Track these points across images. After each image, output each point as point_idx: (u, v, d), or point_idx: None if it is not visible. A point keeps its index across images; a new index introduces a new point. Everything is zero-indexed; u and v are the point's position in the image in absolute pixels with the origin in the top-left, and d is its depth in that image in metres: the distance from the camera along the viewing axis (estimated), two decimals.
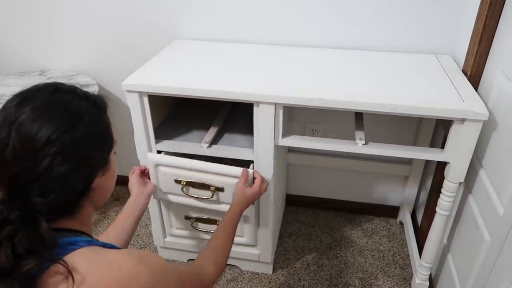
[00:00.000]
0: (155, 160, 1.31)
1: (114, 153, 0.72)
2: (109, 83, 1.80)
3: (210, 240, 1.02)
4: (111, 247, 0.65)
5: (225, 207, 1.32)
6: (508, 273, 0.97)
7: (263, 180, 1.25)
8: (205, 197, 1.32)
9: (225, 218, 1.10)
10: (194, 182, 1.30)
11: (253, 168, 1.30)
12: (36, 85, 0.65)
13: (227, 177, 1.27)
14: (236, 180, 1.24)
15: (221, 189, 1.29)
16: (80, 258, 0.58)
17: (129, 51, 1.70)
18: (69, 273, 0.54)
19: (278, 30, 1.55)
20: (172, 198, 1.38)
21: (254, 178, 1.25)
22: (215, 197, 1.31)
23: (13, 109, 0.59)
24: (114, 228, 1.07)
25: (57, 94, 0.63)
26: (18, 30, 1.76)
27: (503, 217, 1.02)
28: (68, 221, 0.64)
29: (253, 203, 1.25)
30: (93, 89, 1.63)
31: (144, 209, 1.21)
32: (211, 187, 1.29)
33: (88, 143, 0.63)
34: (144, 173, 1.33)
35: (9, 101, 0.61)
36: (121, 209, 1.17)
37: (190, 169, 1.29)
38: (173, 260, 1.64)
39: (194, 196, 1.33)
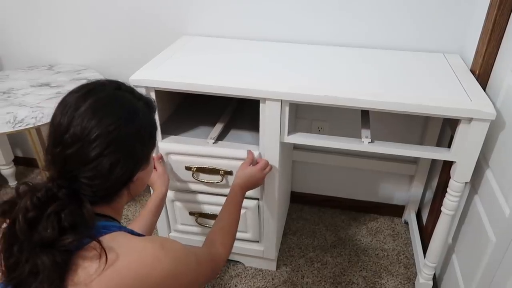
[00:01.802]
0: (166, 149, 1.33)
1: (150, 159, 0.79)
2: (116, 78, 1.79)
3: (215, 222, 1.04)
4: (138, 235, 0.70)
5: None
6: None
7: (267, 163, 1.26)
8: (215, 182, 1.34)
9: (227, 199, 1.12)
10: (204, 167, 1.33)
11: (260, 156, 1.30)
12: (100, 80, 0.72)
13: (236, 160, 1.29)
14: None
15: (230, 173, 1.33)
16: (112, 241, 0.63)
17: (137, 46, 1.71)
18: (104, 251, 0.60)
19: (286, 27, 1.55)
20: (183, 185, 1.40)
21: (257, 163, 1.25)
22: (224, 181, 1.35)
23: (77, 98, 0.66)
24: (140, 223, 1.10)
25: (119, 91, 0.71)
26: (27, 25, 1.77)
27: (509, 218, 1.02)
28: (104, 208, 0.70)
29: (258, 185, 1.23)
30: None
31: (165, 198, 1.22)
32: (220, 171, 1.32)
33: (138, 139, 0.69)
34: (156, 161, 1.31)
35: (75, 91, 0.68)
36: (136, 208, 1.18)
37: (201, 155, 1.32)
38: None
39: (205, 181, 1.36)
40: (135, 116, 0.69)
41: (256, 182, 1.22)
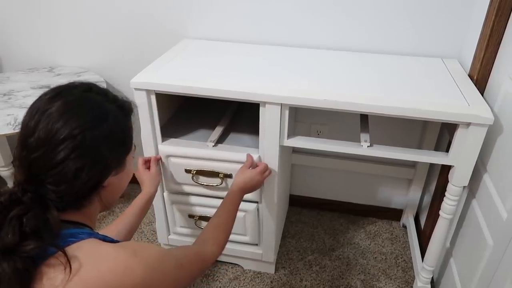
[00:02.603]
0: (166, 152, 1.34)
1: (133, 157, 0.76)
2: (116, 80, 1.82)
3: (210, 219, 1.04)
4: (111, 241, 0.67)
5: None
6: (510, 277, 0.97)
7: (266, 167, 1.26)
8: (214, 184, 1.35)
9: (224, 199, 1.12)
10: (203, 170, 1.34)
11: (259, 160, 1.31)
12: (73, 82, 0.70)
13: (235, 163, 1.31)
14: None
15: (229, 176, 1.34)
16: (78, 250, 0.60)
17: (137, 49, 1.72)
18: (68, 262, 0.57)
19: (286, 31, 1.56)
20: (183, 188, 1.41)
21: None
22: (224, 184, 1.36)
23: (46, 101, 0.64)
24: (122, 222, 1.08)
25: (89, 93, 0.68)
26: (28, 27, 1.78)
27: (507, 222, 1.03)
28: (73, 214, 0.67)
29: (256, 188, 1.23)
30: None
31: (153, 199, 1.21)
32: (220, 174, 1.33)
33: (107, 143, 0.66)
34: (152, 161, 1.31)
35: (44, 94, 0.66)
36: (126, 206, 1.18)
37: (201, 158, 1.32)
38: None
39: (204, 184, 1.36)
40: (103, 120, 0.66)
41: (255, 185, 1.22)
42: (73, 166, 0.62)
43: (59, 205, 0.63)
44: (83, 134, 0.63)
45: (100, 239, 0.65)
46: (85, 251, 0.61)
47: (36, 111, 0.63)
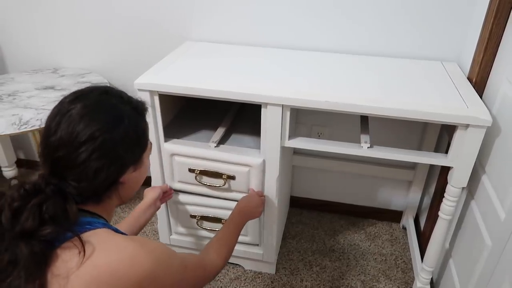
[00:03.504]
0: (170, 150, 1.35)
1: (149, 154, 0.81)
2: (119, 82, 1.84)
3: (215, 234, 1.08)
4: (122, 233, 0.71)
5: (236, 195, 1.39)
6: (508, 277, 0.99)
7: (262, 192, 1.37)
8: (217, 185, 1.37)
9: (227, 219, 1.18)
10: (207, 170, 1.35)
11: (263, 162, 1.33)
12: (90, 86, 0.75)
13: (239, 165, 1.32)
14: (247, 169, 1.32)
15: (232, 177, 1.35)
16: (93, 237, 0.65)
17: (140, 51, 1.74)
18: (83, 247, 0.62)
19: (289, 34, 1.58)
20: (186, 187, 1.43)
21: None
22: (226, 185, 1.37)
23: (67, 104, 0.69)
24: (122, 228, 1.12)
25: (105, 96, 0.73)
26: (32, 29, 1.80)
27: (505, 222, 1.04)
28: (92, 206, 0.72)
29: (257, 209, 1.29)
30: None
31: (149, 220, 1.27)
32: (223, 176, 1.34)
33: (124, 143, 0.71)
34: (165, 195, 1.40)
35: (65, 97, 0.71)
36: (129, 207, 1.21)
37: (204, 158, 1.34)
38: None
39: (207, 184, 1.38)
40: (120, 122, 0.71)
41: (255, 206, 1.28)
42: (93, 166, 0.67)
43: (78, 198, 0.68)
44: (103, 136, 0.67)
45: (113, 230, 0.70)
46: (99, 238, 0.65)
47: (58, 113, 0.68)
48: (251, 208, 1.26)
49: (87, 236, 0.65)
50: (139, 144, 0.76)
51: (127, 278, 0.64)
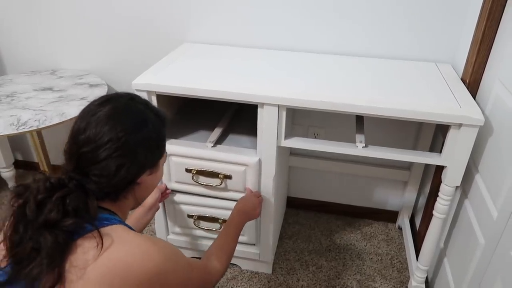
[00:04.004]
0: (167, 150, 1.35)
1: (164, 162, 0.87)
2: (117, 83, 1.85)
3: (214, 240, 1.11)
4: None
5: (232, 194, 1.40)
6: (500, 274, 1.00)
7: (259, 193, 1.39)
8: (214, 185, 1.38)
9: (226, 222, 1.21)
10: (203, 170, 1.37)
11: (259, 162, 1.35)
12: (118, 92, 0.82)
13: (235, 165, 1.34)
14: (243, 168, 1.33)
15: (229, 177, 1.36)
16: (111, 231, 0.70)
17: (139, 53, 1.75)
18: (101, 239, 0.67)
19: (285, 36, 1.60)
20: (183, 187, 1.44)
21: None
22: (223, 185, 1.38)
23: (95, 106, 0.76)
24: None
25: (132, 101, 0.79)
26: (30, 31, 1.81)
27: (497, 220, 1.06)
28: (109, 204, 0.77)
29: (254, 210, 1.31)
30: (103, 89, 1.68)
31: (150, 221, 1.31)
32: (219, 175, 1.36)
33: (145, 146, 0.77)
34: (162, 194, 1.43)
35: (94, 100, 0.78)
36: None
37: (201, 158, 1.35)
38: None
39: (204, 184, 1.39)
40: (144, 126, 0.77)
41: (253, 208, 1.30)
42: (114, 163, 0.72)
43: (98, 195, 0.73)
44: (126, 137, 0.73)
45: (128, 227, 0.75)
46: (115, 233, 0.70)
47: (87, 114, 0.74)
48: (249, 209, 1.29)
49: (105, 230, 0.69)
50: (158, 149, 0.82)
51: (139, 272, 0.68)
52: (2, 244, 0.68)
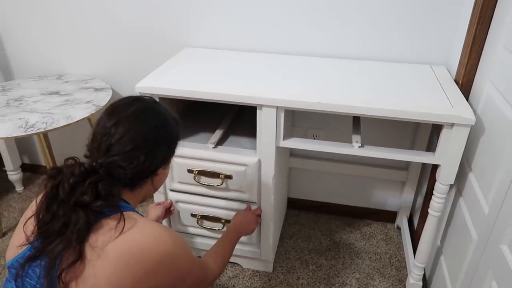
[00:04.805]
0: None
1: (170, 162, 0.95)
2: (121, 87, 1.90)
3: (212, 246, 1.19)
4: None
5: (233, 194, 1.46)
6: (492, 268, 1.04)
7: (259, 210, 1.46)
8: (215, 185, 1.42)
9: (222, 236, 1.27)
10: (205, 171, 1.42)
11: (259, 162, 1.39)
12: (142, 96, 0.91)
13: (235, 165, 1.38)
14: (243, 168, 1.38)
15: (229, 177, 1.41)
16: (131, 215, 0.78)
17: (141, 58, 1.81)
18: (123, 220, 0.75)
19: (283, 40, 1.65)
20: (185, 187, 1.49)
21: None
22: (224, 185, 1.43)
23: (125, 104, 0.85)
24: None
25: (156, 104, 0.90)
26: (38, 38, 1.88)
27: (488, 215, 1.09)
28: (126, 193, 0.84)
29: (250, 226, 1.40)
30: (107, 93, 1.74)
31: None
32: (220, 175, 1.40)
33: (166, 142, 0.88)
34: (166, 211, 1.51)
35: (123, 99, 0.88)
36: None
37: (202, 159, 1.40)
38: None
39: (205, 184, 1.44)
40: (166, 125, 0.88)
41: (248, 222, 1.39)
42: (141, 153, 0.81)
43: (122, 182, 0.81)
44: (152, 133, 0.84)
45: (140, 215, 0.82)
46: (132, 219, 0.78)
47: (117, 110, 0.83)
48: (246, 224, 1.37)
49: (126, 214, 0.77)
50: (173, 146, 0.92)
51: (152, 254, 0.75)
52: (30, 220, 0.75)
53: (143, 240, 0.75)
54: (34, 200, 0.77)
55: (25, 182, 2.21)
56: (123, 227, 0.74)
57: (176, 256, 0.80)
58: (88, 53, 1.87)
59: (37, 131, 1.43)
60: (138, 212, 0.83)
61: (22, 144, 2.21)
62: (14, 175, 2.11)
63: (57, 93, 1.73)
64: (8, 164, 2.07)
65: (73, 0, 1.75)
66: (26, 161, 2.30)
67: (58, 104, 1.62)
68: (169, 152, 0.91)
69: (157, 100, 1.34)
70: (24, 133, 1.41)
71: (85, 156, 0.83)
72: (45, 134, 1.75)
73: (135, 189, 0.86)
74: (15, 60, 1.97)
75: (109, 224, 0.74)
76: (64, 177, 0.74)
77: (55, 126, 1.45)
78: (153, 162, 0.84)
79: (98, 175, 0.77)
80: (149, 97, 0.92)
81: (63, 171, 0.76)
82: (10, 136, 1.40)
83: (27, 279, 0.72)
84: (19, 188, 2.15)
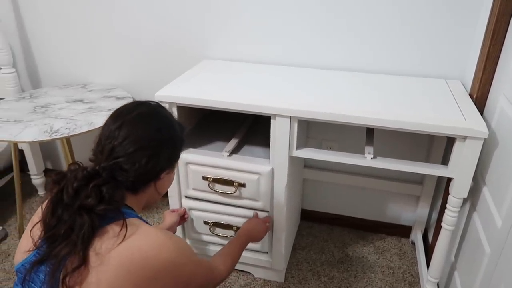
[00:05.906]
0: (185, 159, 1.46)
1: (176, 166, 0.97)
2: (142, 96, 1.97)
3: (221, 249, 1.21)
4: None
5: (246, 202, 1.48)
6: (504, 281, 1.02)
7: (269, 219, 1.48)
8: (229, 192, 1.45)
9: (232, 239, 1.29)
10: (219, 178, 1.45)
11: (272, 171, 1.41)
12: (147, 100, 0.92)
13: (249, 173, 1.41)
14: (257, 176, 1.41)
15: (243, 185, 1.43)
16: (130, 223, 0.78)
17: (161, 69, 1.88)
18: (125, 229, 0.75)
19: (298, 53, 1.68)
20: (199, 194, 1.52)
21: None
22: (237, 193, 1.45)
23: (130, 108, 0.86)
24: None
25: (161, 109, 0.91)
26: (64, 48, 1.97)
27: (501, 229, 1.08)
28: (129, 197, 0.84)
29: (260, 234, 1.42)
30: (128, 101, 1.79)
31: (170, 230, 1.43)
32: (234, 183, 1.43)
33: (169, 146, 0.88)
34: (181, 218, 1.54)
35: (129, 103, 0.89)
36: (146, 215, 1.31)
37: (217, 167, 1.43)
38: None
39: (219, 191, 1.46)
40: (170, 129, 0.88)
41: (259, 230, 1.40)
42: (144, 156, 0.82)
43: (125, 185, 0.81)
44: (155, 135, 0.84)
45: (144, 221, 0.82)
46: (136, 225, 0.78)
47: (122, 113, 0.84)
48: (256, 231, 1.40)
49: (129, 221, 0.77)
50: (178, 151, 0.92)
51: (155, 262, 0.75)
52: (37, 225, 0.77)
53: (145, 247, 0.76)
54: (40, 207, 0.78)
55: (47, 187, 2.29)
56: (125, 234, 0.74)
57: (179, 263, 0.81)
58: (111, 64, 1.95)
59: (61, 136, 1.49)
60: (141, 218, 0.83)
61: (46, 149, 2.30)
62: (37, 179, 2.19)
63: (81, 101, 1.80)
64: (32, 169, 2.15)
65: (98, 17, 1.84)
66: (49, 166, 2.39)
67: (81, 111, 1.69)
68: (173, 156, 0.90)
69: (175, 108, 1.40)
70: (48, 138, 1.48)
71: (90, 160, 0.83)
72: (68, 140, 1.82)
73: (138, 193, 0.85)
74: (43, 69, 2.07)
75: (113, 230, 0.75)
76: (68, 182, 0.75)
77: (77, 131, 1.52)
78: (156, 165, 0.84)
79: (101, 178, 0.77)
80: (155, 101, 0.92)
81: (67, 175, 0.77)
82: (35, 140, 1.47)
83: (32, 284, 0.74)
84: (41, 192, 2.23)
